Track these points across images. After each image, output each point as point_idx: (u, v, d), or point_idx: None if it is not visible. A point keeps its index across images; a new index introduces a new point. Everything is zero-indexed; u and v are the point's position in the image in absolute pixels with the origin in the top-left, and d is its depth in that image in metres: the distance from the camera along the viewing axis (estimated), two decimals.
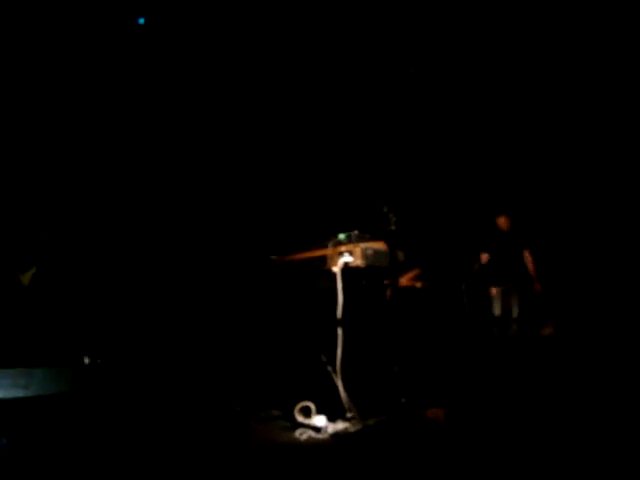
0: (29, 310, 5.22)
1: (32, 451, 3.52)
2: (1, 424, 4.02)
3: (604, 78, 6.21)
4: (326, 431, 3.75)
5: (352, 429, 3.80)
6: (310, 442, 3.64)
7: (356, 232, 4.23)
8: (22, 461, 3.34)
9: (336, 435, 3.72)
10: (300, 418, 3.93)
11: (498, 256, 6.47)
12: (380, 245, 4.28)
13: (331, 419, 3.88)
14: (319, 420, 3.85)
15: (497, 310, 6.43)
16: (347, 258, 4.07)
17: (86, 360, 5.12)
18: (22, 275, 5.34)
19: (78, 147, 6.34)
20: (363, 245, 4.12)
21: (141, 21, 6.34)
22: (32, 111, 6.10)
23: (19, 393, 4.25)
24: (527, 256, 6.41)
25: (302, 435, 3.71)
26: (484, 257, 6.52)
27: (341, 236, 4.22)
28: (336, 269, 4.09)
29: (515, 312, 6.36)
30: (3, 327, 4.97)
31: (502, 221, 6.54)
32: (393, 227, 4.15)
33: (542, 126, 6.79)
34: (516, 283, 6.42)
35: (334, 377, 3.99)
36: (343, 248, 4.13)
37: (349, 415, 3.92)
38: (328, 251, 4.23)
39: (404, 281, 4.65)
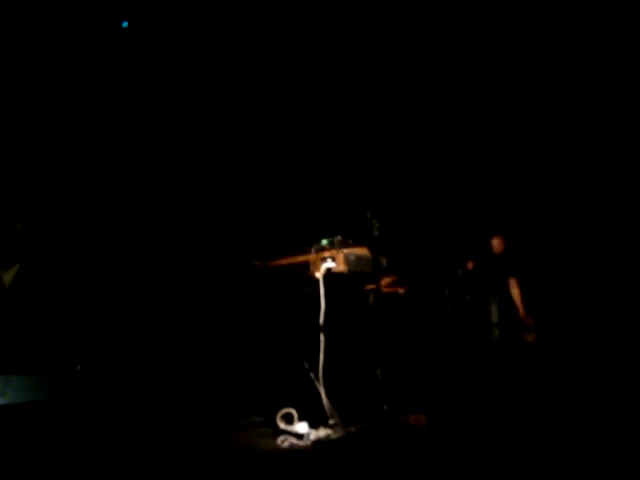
0: (8, 312, 5.09)
1: (6, 458, 3.46)
2: None
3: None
4: (308, 438, 3.74)
5: (334, 436, 3.79)
6: (292, 449, 3.61)
7: (339, 238, 4.23)
8: None
9: (318, 442, 3.70)
10: (282, 425, 3.91)
11: (484, 266, 6.47)
12: (363, 251, 4.28)
13: (313, 426, 3.86)
14: (301, 427, 3.84)
15: (474, 315, 6.43)
16: (330, 264, 4.07)
17: (65, 367, 5.03)
18: (3, 273, 5.19)
19: (71, 140, 6.25)
20: (346, 251, 4.12)
21: (124, 24, 6.32)
22: (23, 103, 6.02)
23: None
24: (513, 284, 6.38)
25: (284, 442, 3.69)
26: (470, 265, 6.54)
27: (324, 242, 4.22)
28: (319, 275, 4.08)
29: (495, 317, 6.37)
30: None
31: (496, 242, 6.53)
32: (376, 233, 4.15)
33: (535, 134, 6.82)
34: (496, 288, 6.43)
35: (316, 383, 3.98)
36: (326, 254, 4.12)
37: (331, 422, 3.91)
38: (311, 257, 4.22)
39: (386, 287, 4.63)
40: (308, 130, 6.94)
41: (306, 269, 4.22)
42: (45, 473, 3.21)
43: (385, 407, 4.01)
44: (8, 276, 5.19)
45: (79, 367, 5.13)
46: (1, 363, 4.55)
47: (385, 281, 4.51)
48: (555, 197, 6.69)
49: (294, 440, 3.71)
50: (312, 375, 4.03)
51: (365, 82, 6.90)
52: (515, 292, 6.27)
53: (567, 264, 6.56)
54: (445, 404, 4.53)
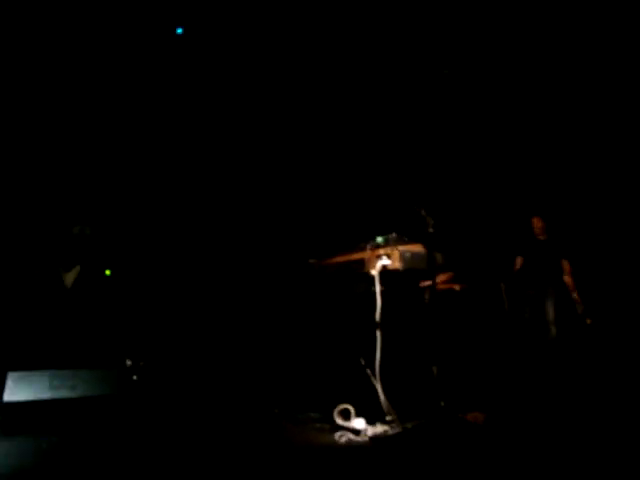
0: (74, 311, 5.33)
1: (80, 450, 3.64)
2: (50, 423, 4.16)
3: None
4: (365, 434, 3.75)
5: (391, 432, 3.80)
6: (349, 445, 3.64)
7: (394, 235, 4.22)
8: (70, 459, 3.45)
9: (375, 438, 3.72)
10: (339, 421, 3.94)
11: (534, 259, 6.36)
12: (418, 248, 4.27)
13: (370, 422, 3.88)
14: (358, 423, 3.86)
15: (533, 312, 6.31)
16: (385, 261, 4.07)
17: (128, 362, 5.23)
18: (65, 274, 5.42)
19: (123, 146, 6.47)
20: (401, 248, 4.11)
21: (179, 31, 6.46)
22: (77, 112, 6.27)
23: (65, 394, 4.38)
24: (565, 265, 6.28)
25: (341, 438, 3.72)
26: (519, 261, 6.44)
27: (379, 239, 4.22)
28: (374, 272, 4.09)
29: (551, 315, 6.23)
30: (49, 328, 5.11)
31: (536, 222, 6.45)
32: (431, 229, 4.13)
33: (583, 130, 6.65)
34: (553, 285, 6.29)
35: (373, 380, 3.99)
36: (381, 251, 4.12)
37: (388, 418, 3.91)
38: (366, 254, 4.23)
39: (442, 283, 4.61)
40: (364, 128, 6.95)
41: (361, 266, 4.23)
42: (114, 463, 3.37)
43: (442, 404, 3.99)
44: (69, 277, 5.43)
45: (142, 363, 5.32)
46: (71, 358, 4.78)
47: (441, 278, 4.48)
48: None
49: (351, 436, 3.74)
50: (369, 371, 4.05)
51: (416, 78, 6.85)
52: (567, 278, 6.16)
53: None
54: (503, 402, 4.48)
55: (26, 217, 5.70)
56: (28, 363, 4.52)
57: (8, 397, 4.19)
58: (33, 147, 6.07)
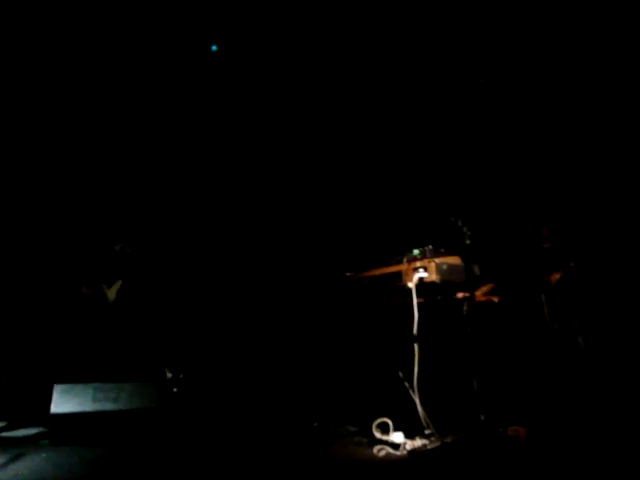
0: (116, 325, 5.47)
1: (124, 461, 3.72)
2: (94, 435, 4.27)
3: None
4: (404, 448, 3.73)
5: (430, 446, 3.77)
6: (388, 459, 3.63)
7: (430, 247, 4.22)
8: (115, 470, 3.53)
9: (414, 452, 3.69)
10: (378, 434, 3.93)
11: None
12: (455, 260, 4.25)
13: (409, 436, 3.85)
14: (397, 437, 3.84)
15: (559, 324, 6.18)
16: (422, 274, 4.06)
17: (169, 375, 5.33)
18: (108, 290, 5.59)
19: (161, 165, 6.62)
20: (438, 260, 4.10)
21: (214, 48, 6.57)
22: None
23: (108, 406, 4.48)
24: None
25: (380, 452, 3.71)
26: (555, 277, 6.33)
27: (415, 251, 4.22)
28: (411, 285, 4.08)
29: (577, 323, 6.10)
30: (93, 342, 5.25)
31: (544, 230, 6.36)
32: (468, 241, 4.11)
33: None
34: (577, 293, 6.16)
35: (411, 393, 3.97)
36: (418, 264, 4.12)
37: (427, 432, 3.88)
38: (403, 267, 4.23)
39: (480, 295, 4.56)
40: (402, 140, 6.95)
41: (398, 279, 4.24)
42: (155, 475, 3.44)
43: (482, 417, 3.94)
44: (112, 293, 5.59)
45: (182, 375, 5.41)
46: (114, 372, 4.89)
47: (481, 290, 4.44)
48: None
49: (390, 450, 3.72)
50: (407, 384, 4.03)
51: (451, 88, 6.83)
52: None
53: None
54: (545, 416, 4.39)
55: (71, 235, 5.90)
56: (73, 376, 4.65)
57: (54, 409, 4.32)
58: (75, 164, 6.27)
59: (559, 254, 6.38)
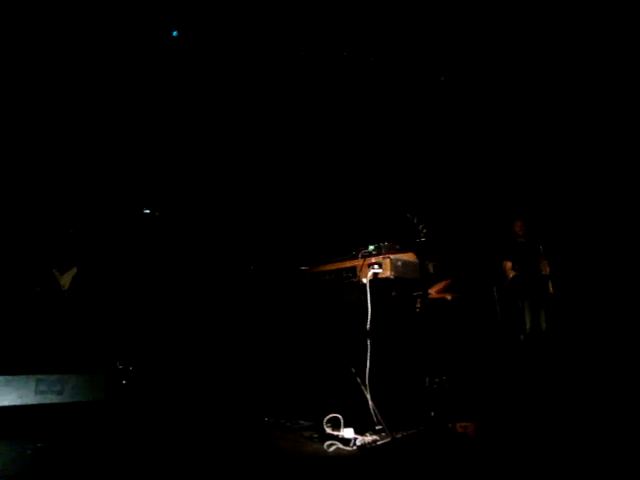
0: (62, 313, 5.26)
1: (65, 457, 3.60)
2: (36, 429, 4.12)
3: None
4: (354, 443, 3.73)
5: (380, 442, 3.78)
6: (338, 454, 3.62)
7: (386, 243, 4.23)
8: (55, 466, 3.41)
9: (364, 447, 3.69)
10: (328, 430, 3.92)
11: (521, 265, 6.39)
12: (410, 256, 4.27)
13: (359, 431, 3.86)
14: (347, 432, 3.84)
15: (527, 324, 6.32)
16: (376, 270, 4.06)
17: (119, 366, 5.18)
18: (61, 277, 5.35)
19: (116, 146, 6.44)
20: (393, 256, 4.11)
21: (174, 33, 6.43)
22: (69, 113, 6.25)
23: (53, 399, 4.33)
24: (545, 266, 6.35)
25: (330, 447, 3.70)
26: (508, 265, 6.45)
27: (371, 247, 4.22)
28: (365, 280, 4.08)
29: (544, 326, 6.25)
30: (36, 330, 5.04)
31: (519, 225, 6.53)
32: (423, 238, 4.12)
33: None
34: (545, 296, 6.32)
35: (363, 389, 3.97)
36: (373, 259, 4.12)
37: (378, 427, 3.90)
38: (357, 262, 4.23)
39: (434, 293, 4.59)
40: (356, 135, 6.94)
41: (353, 275, 4.23)
42: (100, 471, 3.33)
43: (432, 414, 3.98)
44: (66, 280, 5.36)
45: (131, 367, 5.27)
46: (59, 362, 4.73)
47: (435, 287, 4.47)
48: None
49: (340, 445, 3.71)
50: (359, 380, 4.03)
51: (408, 85, 6.86)
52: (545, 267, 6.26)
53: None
54: (494, 412, 4.46)
55: (18, 216, 5.65)
56: (14, 367, 4.47)
57: None
58: (29, 147, 6.04)
59: (532, 250, 6.50)
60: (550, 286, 6.34)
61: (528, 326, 6.30)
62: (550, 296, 6.32)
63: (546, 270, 6.35)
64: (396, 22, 6.30)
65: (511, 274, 6.38)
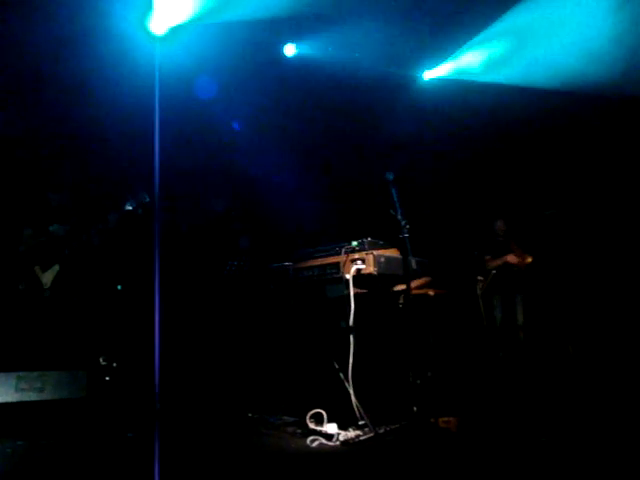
0: (47, 311, 5.20)
1: (47, 455, 3.57)
2: (17, 427, 4.07)
3: None
4: (337, 438, 3.75)
5: (363, 437, 3.80)
6: (321, 449, 3.63)
7: (369, 239, 4.23)
8: (36, 465, 3.38)
9: (347, 443, 3.71)
10: (312, 425, 3.93)
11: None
12: (393, 252, 4.28)
13: (343, 427, 3.88)
14: (331, 427, 3.86)
15: (498, 318, 6.37)
16: (360, 265, 4.06)
17: (102, 362, 5.13)
18: (42, 274, 5.29)
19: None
20: (376, 252, 4.11)
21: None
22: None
23: (34, 397, 4.29)
24: (513, 246, 6.44)
25: (313, 442, 3.71)
26: (489, 259, 6.50)
27: (354, 243, 4.22)
28: (348, 276, 4.09)
29: (520, 319, 6.30)
30: (16, 327, 4.96)
31: (500, 224, 6.60)
32: (406, 234, 4.13)
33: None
34: (522, 290, 6.37)
35: (346, 384, 3.99)
36: (356, 255, 4.13)
37: (361, 423, 3.91)
38: (341, 258, 4.23)
39: (417, 288, 4.61)
40: (337, 133, 6.94)
41: (336, 270, 4.23)
42: (82, 470, 3.31)
43: (415, 409, 4.00)
44: (48, 277, 5.30)
45: (115, 364, 5.23)
46: (41, 359, 4.67)
47: (417, 283, 4.49)
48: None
49: (323, 440, 3.73)
50: (342, 376, 4.05)
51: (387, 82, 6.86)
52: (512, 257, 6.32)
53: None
54: (476, 407, 4.50)
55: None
56: None
57: None
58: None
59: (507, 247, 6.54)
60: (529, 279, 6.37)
61: (499, 321, 6.34)
62: (528, 289, 6.36)
63: (523, 263, 6.37)
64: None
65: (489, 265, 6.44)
